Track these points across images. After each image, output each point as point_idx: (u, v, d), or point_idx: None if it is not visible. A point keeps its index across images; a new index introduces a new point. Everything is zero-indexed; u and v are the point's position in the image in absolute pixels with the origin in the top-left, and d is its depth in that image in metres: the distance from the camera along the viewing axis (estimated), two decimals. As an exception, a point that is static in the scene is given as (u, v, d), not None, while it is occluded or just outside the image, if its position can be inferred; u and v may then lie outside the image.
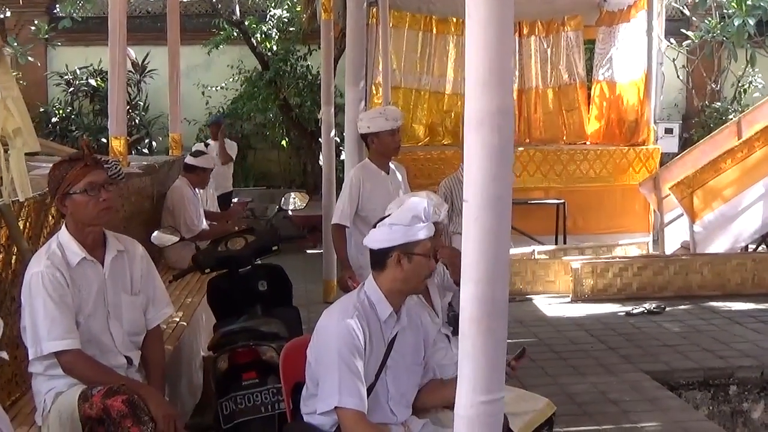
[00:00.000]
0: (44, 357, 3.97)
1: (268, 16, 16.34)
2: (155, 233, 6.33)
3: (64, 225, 4.17)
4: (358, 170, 6.78)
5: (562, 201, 12.34)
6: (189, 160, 8.86)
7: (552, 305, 10.18)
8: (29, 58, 15.75)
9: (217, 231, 8.47)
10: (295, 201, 7.01)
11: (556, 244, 12.20)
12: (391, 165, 6.84)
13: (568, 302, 10.28)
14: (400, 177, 6.88)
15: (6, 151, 4.40)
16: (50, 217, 4.94)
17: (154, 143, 16.27)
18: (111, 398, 3.81)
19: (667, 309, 9.85)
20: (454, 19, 14.00)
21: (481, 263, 2.48)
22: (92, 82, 16.20)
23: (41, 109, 16.29)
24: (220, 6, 15.84)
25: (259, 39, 16.00)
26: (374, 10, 12.78)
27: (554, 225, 12.37)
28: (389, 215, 3.94)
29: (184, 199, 8.48)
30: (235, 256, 5.59)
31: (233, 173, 13.40)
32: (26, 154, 4.57)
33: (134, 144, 15.44)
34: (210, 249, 5.96)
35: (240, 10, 15.88)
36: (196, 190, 8.80)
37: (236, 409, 4.79)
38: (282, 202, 7.04)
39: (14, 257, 4.45)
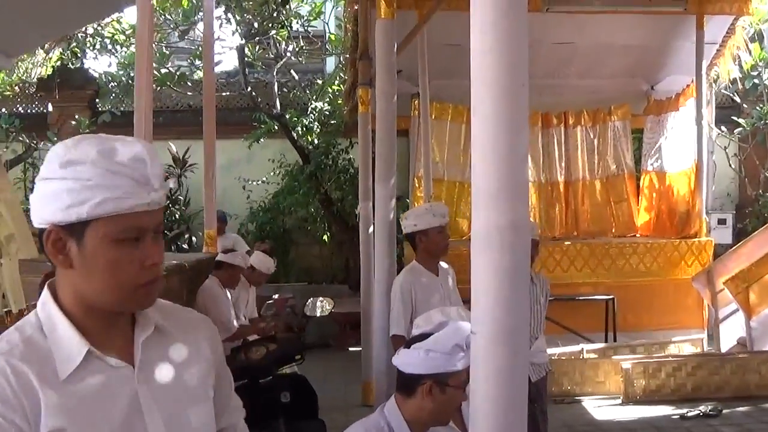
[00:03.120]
0: None
1: (309, 109, 16.20)
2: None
3: None
4: (407, 274, 6.28)
5: (611, 296, 11.85)
6: (219, 256, 8.54)
7: (602, 407, 9.69)
8: (70, 153, 15.71)
9: (247, 331, 8.14)
10: (323, 305, 6.71)
11: (606, 341, 11.69)
12: (442, 265, 6.40)
13: (619, 404, 9.78)
14: (450, 280, 6.41)
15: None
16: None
17: (194, 238, 16.05)
18: None
19: (724, 411, 9.31)
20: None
21: (495, 413, 2.05)
22: (134, 176, 16.07)
23: (82, 206, 16.18)
24: (260, 100, 15.76)
25: (300, 132, 15.82)
26: (416, 102, 12.60)
27: (603, 322, 11.86)
28: (423, 335, 3.50)
29: (214, 298, 8.10)
30: (255, 367, 5.29)
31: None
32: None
33: (174, 239, 15.25)
34: (228, 358, 5.62)
35: (280, 104, 15.79)
36: (227, 290, 8.42)
37: None
38: (308, 309, 6.73)
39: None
